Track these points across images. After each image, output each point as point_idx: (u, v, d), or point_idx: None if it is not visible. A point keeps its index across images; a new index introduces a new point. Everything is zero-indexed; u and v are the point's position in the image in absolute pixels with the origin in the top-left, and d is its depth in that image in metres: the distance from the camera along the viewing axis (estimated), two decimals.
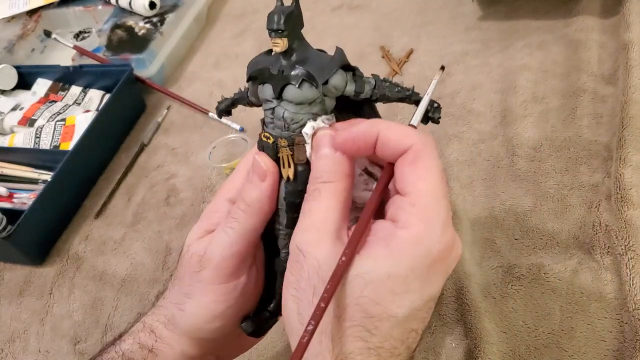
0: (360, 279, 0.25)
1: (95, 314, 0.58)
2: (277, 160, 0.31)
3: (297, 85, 0.28)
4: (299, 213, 0.29)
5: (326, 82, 0.28)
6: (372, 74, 0.31)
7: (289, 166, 0.30)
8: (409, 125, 0.29)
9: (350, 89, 0.30)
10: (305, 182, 0.30)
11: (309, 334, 0.24)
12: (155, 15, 0.89)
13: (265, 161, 0.30)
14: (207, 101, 0.79)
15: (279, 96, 0.29)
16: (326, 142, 0.29)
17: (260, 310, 0.35)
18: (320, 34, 0.82)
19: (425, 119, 0.31)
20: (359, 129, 0.28)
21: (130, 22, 0.90)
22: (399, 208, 0.26)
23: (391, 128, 0.27)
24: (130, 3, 0.90)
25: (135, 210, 0.68)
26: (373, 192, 0.28)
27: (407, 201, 0.26)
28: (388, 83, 0.31)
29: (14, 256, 0.66)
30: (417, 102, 0.31)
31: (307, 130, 0.29)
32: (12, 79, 0.87)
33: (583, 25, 0.64)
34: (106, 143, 0.76)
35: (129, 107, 0.80)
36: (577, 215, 0.48)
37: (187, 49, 0.90)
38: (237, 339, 0.35)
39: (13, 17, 1.01)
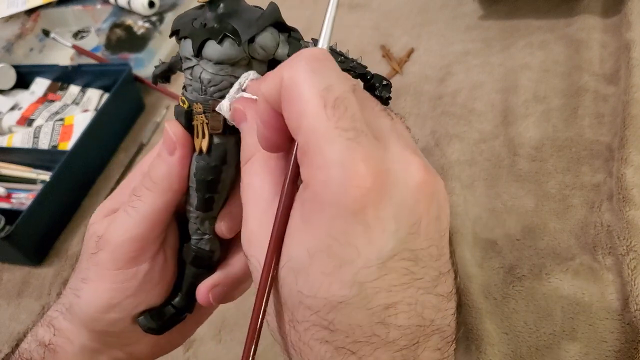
0: (289, 271, 0.20)
1: None
2: (191, 129, 0.26)
3: (217, 41, 0.24)
4: (212, 193, 0.26)
5: (252, 40, 0.24)
6: (312, 38, 0.26)
7: (203, 137, 0.26)
8: None
9: (283, 52, 0.25)
10: (222, 158, 0.26)
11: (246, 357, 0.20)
12: (154, 15, 0.89)
13: (175, 130, 0.26)
14: None
15: (198, 53, 0.25)
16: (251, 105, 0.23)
17: (165, 304, 0.30)
18: (320, 33, 0.81)
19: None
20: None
21: (129, 21, 0.89)
22: (302, 166, 0.20)
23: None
24: (129, 2, 0.90)
25: None
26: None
27: (300, 152, 0.20)
28: (331, 51, 0.25)
29: (13, 256, 0.66)
30: (362, 78, 0.26)
31: (233, 93, 0.25)
32: (11, 78, 0.86)
33: (584, 25, 0.63)
34: (105, 143, 0.76)
35: (128, 107, 0.80)
36: (579, 215, 0.48)
37: None
38: (148, 336, 0.31)
39: (11, 17, 1.00)
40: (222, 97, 0.25)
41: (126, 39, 0.87)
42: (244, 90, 0.25)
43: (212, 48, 0.24)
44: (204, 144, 0.26)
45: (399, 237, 0.19)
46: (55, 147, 0.75)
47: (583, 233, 0.46)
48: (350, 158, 0.18)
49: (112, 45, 0.87)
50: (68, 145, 0.73)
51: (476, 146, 0.57)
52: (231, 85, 0.25)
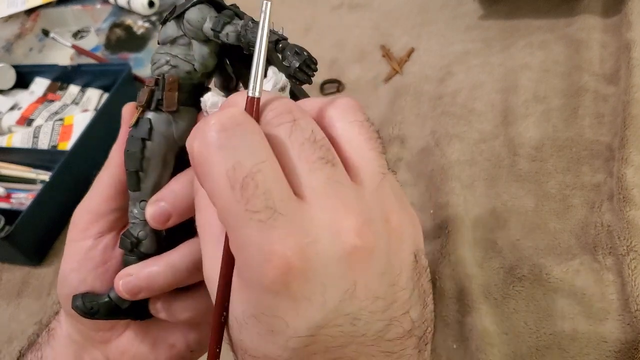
0: (234, 321, 0.20)
1: None
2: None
3: (161, 23, 0.25)
4: (135, 169, 0.26)
5: (182, 16, 0.24)
6: (246, 15, 0.24)
7: (137, 110, 0.26)
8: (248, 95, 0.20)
9: (207, 27, 0.24)
10: (146, 133, 0.25)
11: None
12: (154, 14, 0.89)
13: (127, 107, 0.27)
14: None
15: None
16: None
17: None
18: (320, 33, 0.81)
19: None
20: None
21: (129, 21, 0.89)
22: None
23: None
24: (129, 2, 0.90)
25: None
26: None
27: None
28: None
29: (12, 257, 0.65)
30: (276, 43, 0.23)
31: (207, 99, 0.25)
32: (10, 78, 0.86)
33: (585, 25, 0.63)
34: (105, 143, 0.75)
35: None
36: (579, 215, 0.48)
37: None
38: (122, 337, 0.30)
39: (11, 16, 1.00)
40: (160, 74, 0.25)
41: (126, 39, 0.87)
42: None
43: (161, 30, 0.25)
44: (135, 117, 0.26)
45: (329, 308, 0.18)
46: (54, 147, 0.75)
47: (583, 233, 0.46)
48: (265, 241, 0.18)
49: (112, 45, 0.87)
50: (68, 145, 0.73)
51: (476, 146, 0.57)
52: (167, 62, 0.25)
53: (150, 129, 0.25)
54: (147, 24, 0.87)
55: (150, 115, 0.26)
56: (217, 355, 0.21)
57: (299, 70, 0.22)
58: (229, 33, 0.23)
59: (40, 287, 0.63)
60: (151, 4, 0.88)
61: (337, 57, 0.76)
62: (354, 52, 0.76)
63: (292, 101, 0.21)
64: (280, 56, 0.23)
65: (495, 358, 0.41)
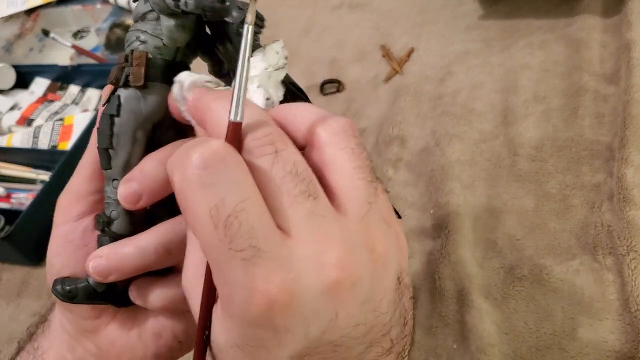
0: (216, 347, 0.21)
1: None
2: None
3: (134, 0, 0.25)
4: (105, 146, 0.25)
5: None
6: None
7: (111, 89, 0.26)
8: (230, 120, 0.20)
9: None
10: (115, 109, 0.25)
11: None
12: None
13: (106, 87, 0.26)
14: None
15: None
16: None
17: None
18: (320, 33, 0.81)
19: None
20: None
21: (129, 21, 0.89)
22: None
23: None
24: (129, 2, 0.90)
25: None
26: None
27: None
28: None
29: (12, 256, 0.65)
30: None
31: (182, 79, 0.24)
32: (10, 78, 0.86)
33: (585, 25, 0.63)
34: None
35: None
36: (579, 215, 0.48)
37: None
38: (109, 327, 0.29)
39: (11, 16, 1.00)
40: (132, 50, 0.25)
41: None
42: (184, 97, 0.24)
43: (134, 9, 0.25)
44: (107, 95, 0.25)
45: (311, 338, 0.19)
46: (54, 147, 0.75)
47: (583, 233, 0.46)
48: (248, 279, 0.18)
49: (112, 45, 0.87)
50: (68, 145, 0.73)
51: (476, 146, 0.57)
52: (137, 39, 0.25)
53: (119, 106, 0.25)
54: None
55: (120, 92, 0.25)
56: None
57: (242, 26, 0.21)
58: (187, 1, 0.23)
59: (40, 287, 0.63)
60: None
61: (337, 57, 0.76)
62: (354, 52, 0.76)
63: (275, 127, 0.20)
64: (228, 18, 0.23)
65: (495, 358, 0.41)
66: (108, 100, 0.25)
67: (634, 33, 0.57)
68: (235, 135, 0.19)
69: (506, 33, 0.68)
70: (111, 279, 0.26)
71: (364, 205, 0.20)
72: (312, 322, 0.19)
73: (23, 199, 0.70)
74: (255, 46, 0.24)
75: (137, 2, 0.25)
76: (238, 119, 0.19)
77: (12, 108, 0.83)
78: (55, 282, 0.28)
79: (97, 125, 0.26)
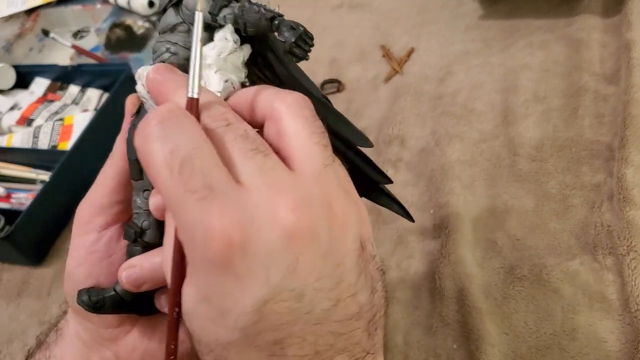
0: (185, 313, 0.21)
1: None
2: None
3: (160, 11, 0.25)
4: (137, 160, 0.25)
5: (180, 2, 0.24)
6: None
7: (139, 100, 0.26)
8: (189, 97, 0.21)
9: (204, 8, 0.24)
10: None
11: None
12: (154, 14, 0.89)
13: (130, 98, 0.27)
14: None
15: None
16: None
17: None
18: (320, 33, 0.81)
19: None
20: None
21: (129, 21, 0.89)
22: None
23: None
24: (129, 2, 0.90)
25: None
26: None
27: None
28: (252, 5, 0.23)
29: (12, 257, 0.65)
30: (271, 20, 0.22)
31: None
32: (10, 78, 0.86)
33: (585, 25, 0.63)
34: (105, 143, 0.75)
35: None
36: (579, 215, 0.48)
37: None
38: (130, 334, 0.30)
39: (11, 16, 1.00)
40: (162, 61, 0.25)
41: (126, 39, 0.87)
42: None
43: (161, 19, 0.25)
44: (137, 106, 0.26)
45: (272, 283, 0.19)
46: (54, 147, 0.75)
47: (583, 233, 0.46)
48: (205, 218, 0.19)
49: (112, 45, 0.87)
50: (68, 145, 0.73)
51: (476, 146, 0.57)
52: (167, 50, 0.25)
53: None
54: (147, 24, 0.87)
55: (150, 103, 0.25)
56: (173, 352, 0.22)
57: (295, 45, 0.22)
58: (226, 15, 0.23)
59: (40, 287, 0.63)
60: (151, 4, 0.88)
61: (337, 57, 0.76)
62: (354, 52, 0.76)
63: (228, 107, 0.22)
64: (276, 34, 0.23)
65: (495, 358, 0.41)
66: (138, 112, 0.25)
67: (634, 33, 0.57)
68: (192, 110, 0.21)
69: (506, 33, 0.68)
70: (144, 288, 0.26)
71: (320, 166, 0.21)
72: (272, 265, 0.19)
73: (23, 199, 0.70)
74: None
75: (165, 13, 0.24)
76: (195, 95, 0.21)
77: (12, 108, 0.83)
78: (80, 292, 0.28)
79: (127, 136, 0.26)
